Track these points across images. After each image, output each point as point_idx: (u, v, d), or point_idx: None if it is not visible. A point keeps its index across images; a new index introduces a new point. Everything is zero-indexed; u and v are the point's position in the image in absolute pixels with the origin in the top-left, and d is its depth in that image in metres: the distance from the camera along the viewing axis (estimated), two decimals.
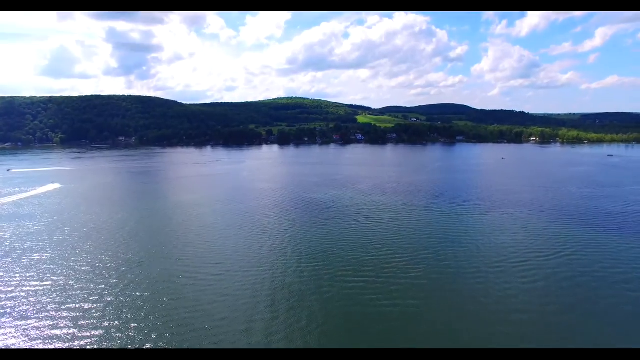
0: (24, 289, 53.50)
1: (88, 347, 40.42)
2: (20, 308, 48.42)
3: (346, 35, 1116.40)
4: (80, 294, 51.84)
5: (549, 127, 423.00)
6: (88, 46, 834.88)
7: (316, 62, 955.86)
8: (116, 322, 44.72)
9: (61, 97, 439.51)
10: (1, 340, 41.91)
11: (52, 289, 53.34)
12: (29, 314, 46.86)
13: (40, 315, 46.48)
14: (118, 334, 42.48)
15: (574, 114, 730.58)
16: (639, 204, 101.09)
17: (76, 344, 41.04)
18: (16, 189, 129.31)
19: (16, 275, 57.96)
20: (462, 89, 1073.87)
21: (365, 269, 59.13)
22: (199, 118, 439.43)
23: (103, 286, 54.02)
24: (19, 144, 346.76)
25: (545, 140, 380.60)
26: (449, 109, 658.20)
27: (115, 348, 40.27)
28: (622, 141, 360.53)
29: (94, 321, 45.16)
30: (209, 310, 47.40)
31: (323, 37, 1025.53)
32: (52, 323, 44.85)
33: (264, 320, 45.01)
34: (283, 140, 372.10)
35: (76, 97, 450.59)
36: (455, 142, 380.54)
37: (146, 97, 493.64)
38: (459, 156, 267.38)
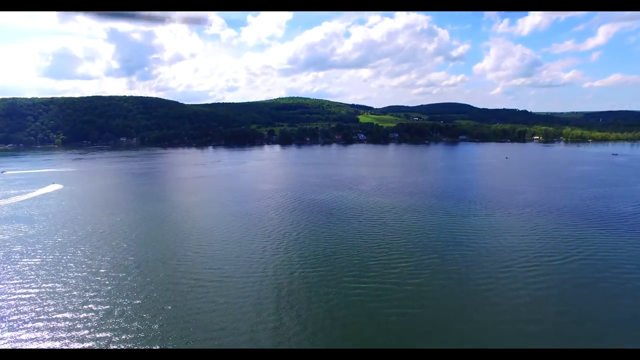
0: (22, 291, 52.18)
1: (88, 348, 40.05)
2: (19, 310, 47.69)
3: (347, 35, 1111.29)
4: (82, 296, 50.56)
5: (552, 126, 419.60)
6: (90, 47, 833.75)
7: (317, 61, 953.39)
8: (116, 326, 43.42)
9: (62, 98, 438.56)
10: (3, 342, 41.60)
11: (50, 292, 52.17)
12: (28, 316, 46.26)
13: (40, 317, 46.09)
14: (117, 338, 41.11)
15: (577, 112, 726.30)
16: None
17: (76, 346, 40.30)
18: (14, 191, 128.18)
19: (15, 277, 56.59)
20: (464, 88, 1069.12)
21: (370, 273, 57.43)
22: (200, 118, 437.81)
23: (104, 289, 52.61)
24: (21, 145, 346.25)
25: (548, 139, 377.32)
26: (451, 108, 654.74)
27: (116, 348, 39.88)
28: (627, 139, 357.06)
29: (95, 323, 44.34)
30: (212, 315, 46.11)
31: (324, 36, 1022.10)
32: (50, 325, 44.37)
33: (267, 327, 43.37)
34: (285, 141, 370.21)
35: (77, 98, 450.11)
36: (458, 142, 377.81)
37: (147, 97, 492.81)
38: (463, 155, 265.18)
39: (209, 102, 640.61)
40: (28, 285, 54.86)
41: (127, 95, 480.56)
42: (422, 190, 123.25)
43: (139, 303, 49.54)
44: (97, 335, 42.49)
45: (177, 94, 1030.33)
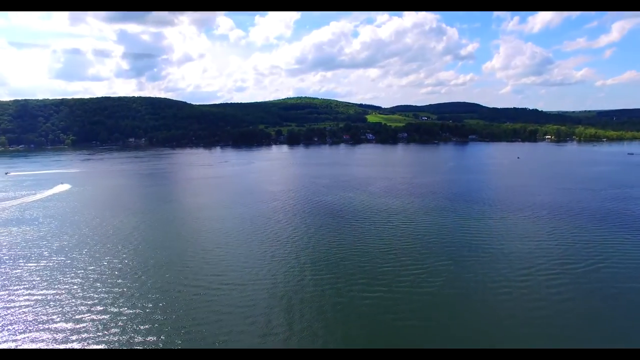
0: (27, 293, 51.06)
1: (88, 348, 39.57)
2: (23, 312, 47.48)
3: (355, 34, 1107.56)
4: (87, 297, 49.16)
5: (565, 125, 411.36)
6: (100, 49, 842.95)
7: (325, 61, 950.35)
8: (121, 329, 41.77)
9: (72, 100, 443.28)
10: (8, 342, 41.48)
11: (55, 295, 51.16)
12: (33, 318, 46.02)
13: (43, 319, 45.66)
14: (121, 339, 39.23)
15: (589, 111, 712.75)
16: None
17: (78, 347, 39.61)
18: (20, 192, 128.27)
19: (21, 278, 55.42)
20: (473, 87, 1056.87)
21: (382, 280, 54.82)
22: (208, 119, 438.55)
23: (109, 291, 51.12)
24: (32, 146, 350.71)
25: (561, 138, 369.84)
26: (460, 108, 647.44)
27: (116, 348, 39.25)
28: None
29: (100, 325, 43.01)
30: (219, 322, 44.38)
31: (332, 36, 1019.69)
32: (54, 327, 43.99)
33: (276, 335, 41.25)
34: (292, 141, 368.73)
35: (87, 99, 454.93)
36: (467, 141, 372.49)
37: (156, 98, 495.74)
38: (473, 155, 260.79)
39: (218, 102, 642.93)
40: (33, 287, 53.73)
41: (136, 96, 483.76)
42: (433, 192, 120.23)
43: (144, 307, 47.91)
44: (102, 338, 41.67)
45: (186, 95, 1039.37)
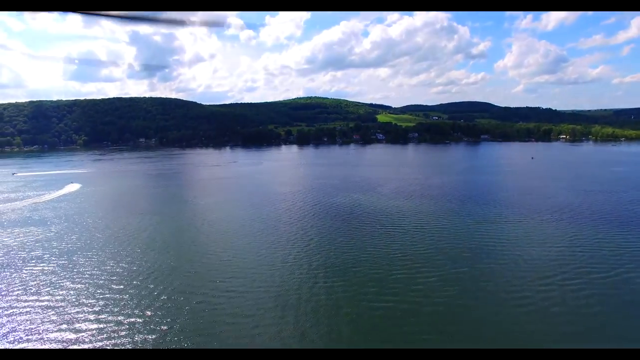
0: (34, 296, 49.70)
1: (89, 348, 39.22)
2: (28, 313, 46.60)
3: (366, 34, 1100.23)
4: (94, 298, 47.62)
5: (580, 124, 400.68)
6: (113, 50, 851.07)
7: (336, 61, 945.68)
8: (126, 332, 39.67)
9: (85, 100, 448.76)
10: (14, 343, 41.21)
11: (61, 298, 49.95)
12: (37, 320, 45.29)
13: (48, 321, 44.61)
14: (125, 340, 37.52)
15: (606, 109, 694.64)
16: None
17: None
18: (29, 193, 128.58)
19: (27, 281, 54.18)
20: (484, 86, 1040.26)
21: (394, 289, 52.01)
22: (218, 119, 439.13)
23: (116, 294, 49.57)
24: (45, 146, 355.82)
25: (576, 138, 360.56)
26: (471, 107, 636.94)
27: (116, 348, 38.54)
28: None
29: (105, 327, 41.02)
30: (226, 330, 42.22)
31: (342, 36, 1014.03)
32: (58, 328, 43.27)
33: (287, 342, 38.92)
34: (302, 141, 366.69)
35: (99, 99, 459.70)
36: (480, 141, 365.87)
37: (167, 98, 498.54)
38: (486, 156, 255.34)
39: (228, 102, 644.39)
40: (39, 289, 52.57)
41: (147, 96, 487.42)
42: (445, 193, 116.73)
43: (149, 310, 46.22)
44: (104, 338, 40.91)
45: (198, 95, 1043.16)
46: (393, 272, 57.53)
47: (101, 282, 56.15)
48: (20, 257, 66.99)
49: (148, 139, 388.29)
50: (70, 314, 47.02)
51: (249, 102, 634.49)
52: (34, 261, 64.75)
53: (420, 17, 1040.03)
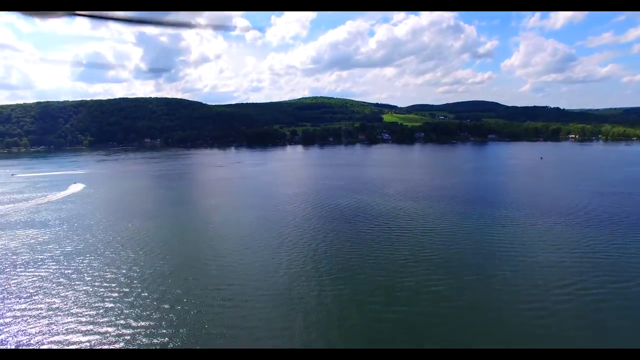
0: (35, 299, 48.00)
1: (89, 348, 38.88)
2: (31, 315, 45.75)
3: (371, 34, 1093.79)
4: (96, 299, 45.89)
5: (590, 124, 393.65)
6: (120, 51, 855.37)
7: (341, 61, 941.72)
8: (128, 336, 37.89)
9: (91, 101, 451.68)
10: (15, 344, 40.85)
11: (63, 301, 48.81)
12: (38, 321, 44.68)
13: (49, 323, 44.04)
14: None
15: (615, 108, 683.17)
16: None
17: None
18: (34, 194, 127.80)
19: (28, 285, 52.62)
20: (491, 85, 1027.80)
21: (402, 298, 49.66)
22: (222, 119, 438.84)
23: (118, 297, 47.78)
24: (52, 146, 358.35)
25: (585, 137, 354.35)
26: (477, 106, 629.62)
27: (117, 348, 38.11)
28: None
29: (106, 330, 38.50)
30: (231, 337, 40.15)
31: (348, 35, 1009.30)
32: (60, 329, 42.50)
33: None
34: (307, 141, 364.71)
35: (105, 100, 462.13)
36: (487, 141, 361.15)
37: (172, 98, 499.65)
38: (493, 156, 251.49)
39: (234, 102, 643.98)
40: (41, 292, 51.20)
41: (153, 97, 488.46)
42: (453, 195, 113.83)
43: (150, 314, 44.54)
44: (106, 340, 38.24)
45: (203, 95, 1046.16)
46: (401, 279, 54.90)
47: (104, 284, 54.49)
48: (22, 259, 65.52)
49: (153, 140, 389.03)
50: (71, 316, 45.84)
51: (255, 102, 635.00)
52: (35, 264, 63.21)
53: (426, 17, 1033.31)
